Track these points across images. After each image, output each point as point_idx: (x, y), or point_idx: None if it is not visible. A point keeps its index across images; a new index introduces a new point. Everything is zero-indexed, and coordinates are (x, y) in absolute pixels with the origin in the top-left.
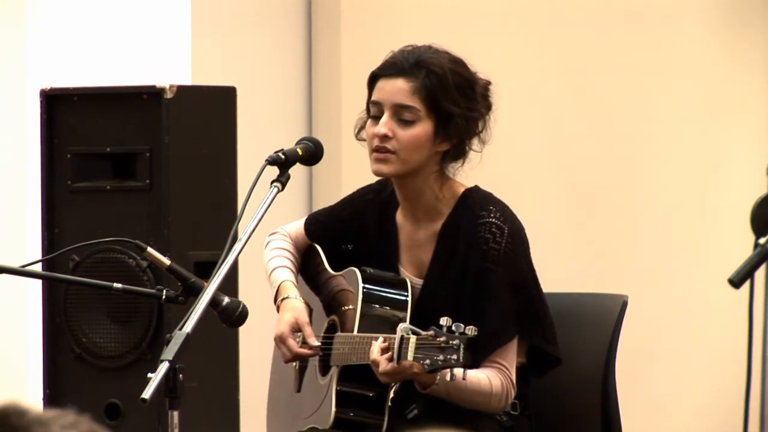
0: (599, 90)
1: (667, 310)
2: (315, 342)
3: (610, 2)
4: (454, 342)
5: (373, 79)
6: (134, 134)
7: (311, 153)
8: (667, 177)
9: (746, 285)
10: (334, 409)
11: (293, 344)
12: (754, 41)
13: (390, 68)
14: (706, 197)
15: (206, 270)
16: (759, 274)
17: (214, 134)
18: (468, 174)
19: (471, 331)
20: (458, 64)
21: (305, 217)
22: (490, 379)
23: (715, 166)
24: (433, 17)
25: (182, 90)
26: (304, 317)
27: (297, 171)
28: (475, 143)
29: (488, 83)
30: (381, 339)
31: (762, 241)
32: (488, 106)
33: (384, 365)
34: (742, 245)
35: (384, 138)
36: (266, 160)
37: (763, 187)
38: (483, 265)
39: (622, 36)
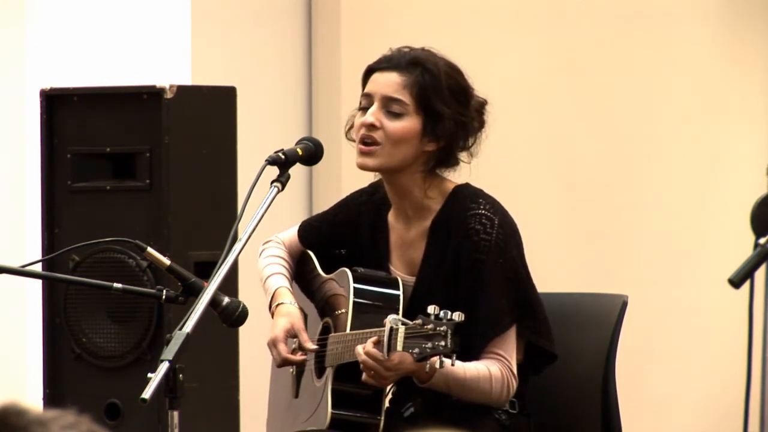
0: (599, 90)
1: (667, 310)
2: (312, 346)
3: (610, 2)
4: (442, 329)
5: (368, 73)
6: (134, 134)
7: (311, 153)
8: (667, 177)
9: (746, 285)
10: (330, 409)
11: (284, 348)
12: (754, 41)
13: (385, 62)
14: (706, 197)
15: (206, 270)
16: (759, 274)
17: (214, 134)
18: (467, 174)
19: (458, 316)
20: (455, 70)
21: (299, 223)
22: (489, 368)
23: (715, 166)
24: (432, 17)
25: (182, 90)
26: (299, 323)
27: (297, 171)
28: (465, 155)
29: (485, 102)
30: (374, 337)
31: (762, 241)
32: (482, 123)
33: (375, 353)
34: (742, 245)
35: (370, 128)
36: (266, 160)
37: (763, 187)
38: (474, 256)
39: (622, 36)
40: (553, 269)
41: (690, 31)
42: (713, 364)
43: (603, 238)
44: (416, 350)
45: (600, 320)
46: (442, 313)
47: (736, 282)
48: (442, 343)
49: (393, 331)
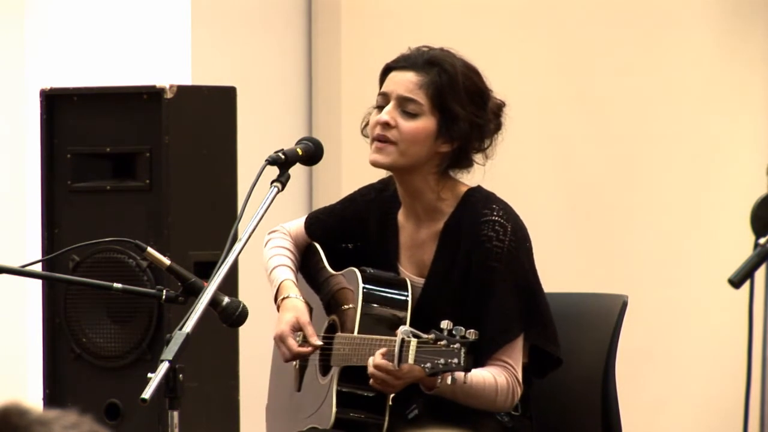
0: (599, 90)
1: (667, 310)
2: (317, 341)
3: (610, 2)
4: (455, 346)
5: (385, 72)
6: (134, 134)
7: (311, 153)
8: (667, 177)
9: (746, 285)
10: (334, 409)
11: (293, 343)
12: (754, 41)
13: (403, 61)
14: (706, 197)
15: (206, 270)
16: (759, 274)
17: (214, 134)
18: (468, 174)
19: (471, 335)
20: (473, 71)
21: (306, 216)
22: (495, 377)
23: (715, 165)
24: (433, 17)
25: (182, 90)
26: (305, 317)
27: (297, 171)
28: (479, 157)
29: (503, 104)
30: (383, 349)
31: (762, 241)
32: (498, 125)
33: (385, 365)
34: (742, 245)
35: (385, 126)
36: (266, 160)
37: (763, 187)
38: (486, 264)
39: (622, 36)
40: (553, 269)
41: (691, 32)
42: (713, 364)
43: (603, 238)
44: (428, 365)
45: (600, 320)
46: (455, 330)
47: (736, 282)
48: (455, 360)
49: (404, 343)
